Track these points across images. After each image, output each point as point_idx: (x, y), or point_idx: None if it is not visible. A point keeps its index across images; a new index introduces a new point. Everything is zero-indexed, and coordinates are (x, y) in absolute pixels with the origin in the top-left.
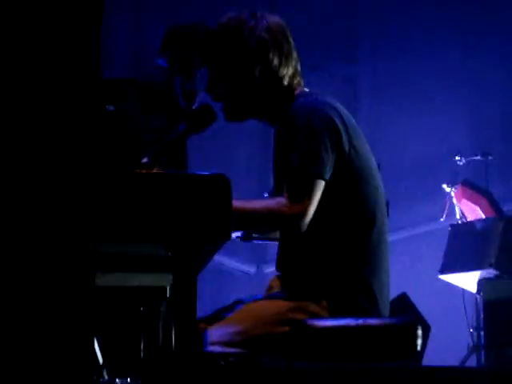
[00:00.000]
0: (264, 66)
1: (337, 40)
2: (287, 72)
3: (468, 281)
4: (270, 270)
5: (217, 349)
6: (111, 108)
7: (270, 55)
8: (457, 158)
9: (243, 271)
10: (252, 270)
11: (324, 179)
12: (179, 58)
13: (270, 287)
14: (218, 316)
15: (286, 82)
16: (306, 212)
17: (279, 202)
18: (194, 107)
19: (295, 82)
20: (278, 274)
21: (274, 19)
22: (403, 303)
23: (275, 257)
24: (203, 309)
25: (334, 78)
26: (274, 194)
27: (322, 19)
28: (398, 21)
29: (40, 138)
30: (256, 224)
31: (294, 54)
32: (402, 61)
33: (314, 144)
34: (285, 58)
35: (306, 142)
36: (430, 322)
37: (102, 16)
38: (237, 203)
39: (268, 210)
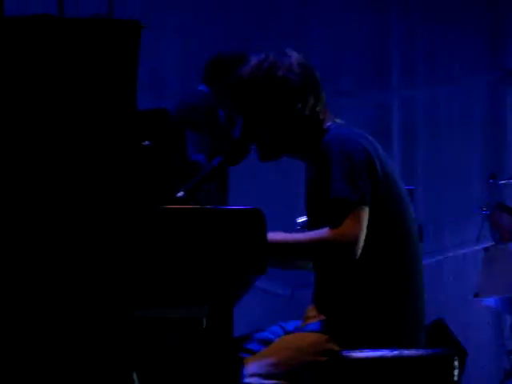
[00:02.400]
0: (303, 104)
1: (369, 66)
2: (321, 106)
3: (504, 304)
4: (305, 293)
5: (255, 381)
6: (147, 143)
7: (308, 91)
8: (491, 180)
9: (278, 294)
10: (287, 293)
11: (366, 206)
12: (221, 85)
13: (307, 317)
14: (250, 336)
15: (321, 116)
16: (358, 239)
17: (328, 233)
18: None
19: (326, 115)
20: (313, 302)
21: (299, 55)
22: (440, 329)
23: (310, 280)
24: (237, 331)
25: (366, 105)
26: (309, 227)
27: (353, 45)
28: (431, 47)
29: (77, 172)
30: (305, 257)
31: (322, 87)
32: (435, 87)
33: (352, 172)
34: (318, 92)
35: (344, 171)
36: (466, 346)
37: (138, 50)
38: (282, 237)
39: (318, 242)
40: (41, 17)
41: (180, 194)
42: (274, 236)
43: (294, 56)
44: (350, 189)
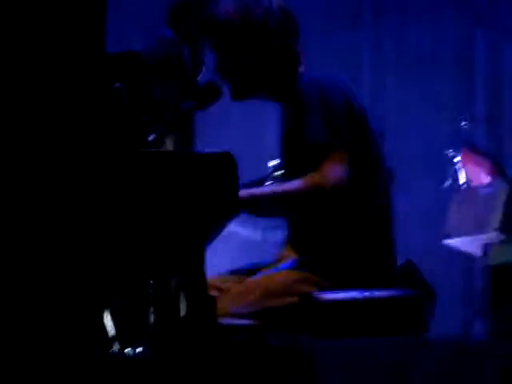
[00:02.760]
0: (282, 46)
1: (340, 7)
2: (298, 48)
3: (473, 245)
4: (276, 237)
5: (227, 321)
6: (117, 85)
7: (286, 34)
8: (462, 123)
9: (249, 237)
10: (257, 236)
11: (347, 148)
12: (187, 29)
13: (281, 257)
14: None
15: (297, 59)
16: (343, 180)
17: (311, 179)
18: (200, 81)
19: (302, 57)
20: (288, 243)
21: None
22: (409, 271)
23: (281, 223)
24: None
25: (337, 46)
26: (286, 173)
27: None
28: None
29: (44, 118)
30: (297, 205)
31: (299, 30)
32: (405, 26)
33: (331, 116)
34: (296, 34)
35: (323, 115)
36: (434, 287)
37: None
38: (270, 190)
39: (305, 190)
40: None
41: (151, 137)
42: (260, 190)
43: None
44: (330, 133)
